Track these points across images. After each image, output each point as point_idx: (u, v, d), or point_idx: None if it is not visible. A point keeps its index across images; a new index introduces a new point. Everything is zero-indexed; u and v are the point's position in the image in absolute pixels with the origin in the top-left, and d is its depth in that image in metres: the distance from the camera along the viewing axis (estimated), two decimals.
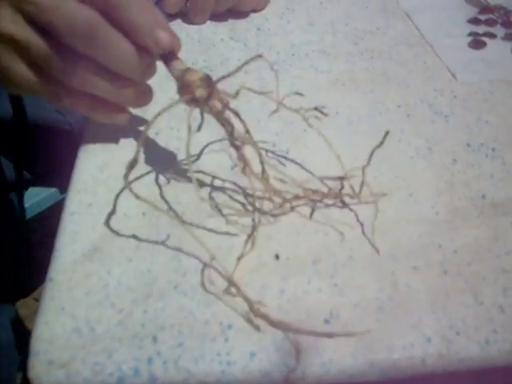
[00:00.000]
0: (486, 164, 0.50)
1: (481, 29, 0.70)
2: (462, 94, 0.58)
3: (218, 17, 0.67)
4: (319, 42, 0.65)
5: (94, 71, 0.42)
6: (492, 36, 0.68)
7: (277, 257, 0.42)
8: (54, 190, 1.14)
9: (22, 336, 0.85)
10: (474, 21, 0.71)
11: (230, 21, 0.68)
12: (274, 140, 0.51)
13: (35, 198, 1.12)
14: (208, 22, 0.67)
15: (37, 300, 1.32)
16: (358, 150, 0.50)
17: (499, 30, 0.69)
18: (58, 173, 0.76)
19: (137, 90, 0.45)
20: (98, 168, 0.48)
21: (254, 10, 0.68)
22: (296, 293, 0.40)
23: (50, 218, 1.06)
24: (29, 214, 1.11)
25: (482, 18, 0.71)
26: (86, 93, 0.43)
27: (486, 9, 0.73)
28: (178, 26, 0.66)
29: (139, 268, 0.41)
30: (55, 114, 0.89)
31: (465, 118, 0.55)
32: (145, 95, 0.46)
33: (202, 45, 0.63)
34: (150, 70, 0.45)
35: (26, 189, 0.97)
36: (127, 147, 0.50)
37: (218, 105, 0.41)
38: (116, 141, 0.51)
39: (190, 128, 0.39)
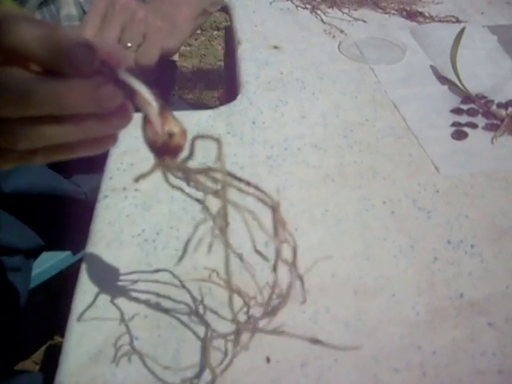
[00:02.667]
0: (465, 261, 0.54)
1: (463, 118, 0.74)
2: (444, 189, 0.62)
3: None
4: (311, 135, 0.70)
5: (47, 124, 0.36)
6: (473, 126, 0.73)
7: (268, 360, 0.45)
8: (63, 256, 1.15)
9: None
10: (457, 111, 0.76)
11: (226, 114, 0.73)
12: (266, 239, 0.55)
13: (43, 265, 1.15)
14: (206, 116, 0.72)
15: (36, 363, 1.34)
16: (344, 250, 0.53)
17: (480, 120, 0.74)
18: (72, 238, 0.81)
19: (101, 117, 0.37)
20: (103, 269, 0.52)
21: (164, 52, 0.68)
22: None
23: (53, 284, 1.09)
24: (35, 281, 1.13)
25: (464, 107, 0.76)
26: (52, 145, 0.38)
27: (467, 98, 0.78)
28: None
29: (142, 371, 0.44)
30: (69, 184, 0.94)
31: (446, 214, 0.59)
32: (117, 117, 0.38)
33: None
34: (101, 94, 0.35)
35: (39, 255, 1.01)
36: (129, 246, 0.54)
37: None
38: (119, 240, 0.55)
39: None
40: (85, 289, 0.51)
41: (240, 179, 0.37)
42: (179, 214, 0.58)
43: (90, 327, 0.47)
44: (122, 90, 0.36)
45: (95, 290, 0.50)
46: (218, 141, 0.36)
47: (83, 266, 0.52)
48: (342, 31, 0.95)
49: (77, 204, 0.91)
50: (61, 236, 0.96)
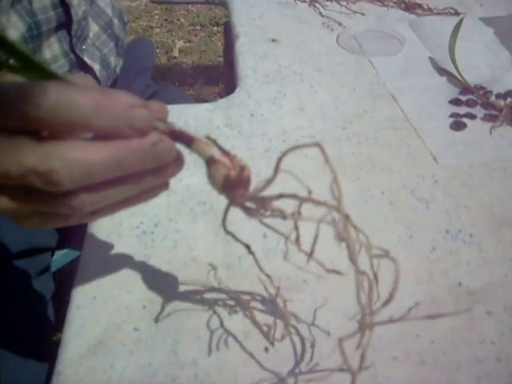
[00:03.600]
0: (464, 251, 0.54)
1: (462, 109, 0.74)
2: (443, 179, 0.62)
3: None
4: (309, 127, 0.70)
5: (110, 187, 0.36)
6: (472, 117, 0.73)
7: (266, 349, 0.45)
8: (64, 251, 1.15)
9: None
10: (456, 101, 0.75)
11: (224, 107, 0.73)
12: (265, 231, 0.55)
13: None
14: (204, 109, 0.72)
15: None
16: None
17: (479, 111, 0.74)
18: (78, 233, 0.81)
19: (159, 169, 0.38)
20: (102, 261, 0.52)
21: None
22: None
23: (55, 279, 1.09)
24: None
25: (463, 98, 0.76)
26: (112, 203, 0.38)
27: (466, 89, 0.77)
28: (177, 110, 0.71)
29: (140, 361, 0.45)
30: None
31: (444, 204, 0.59)
32: (173, 166, 0.39)
33: (199, 133, 0.67)
34: (160, 149, 0.36)
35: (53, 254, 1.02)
36: (128, 238, 0.54)
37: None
38: (118, 233, 0.55)
39: None
40: (84, 281, 0.51)
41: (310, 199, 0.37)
42: (178, 206, 0.58)
43: (89, 318, 0.48)
44: (177, 140, 0.37)
45: (94, 281, 0.50)
46: (319, 146, 0.35)
47: (82, 259, 0.53)
48: (340, 24, 0.95)
49: None
50: (69, 233, 0.96)
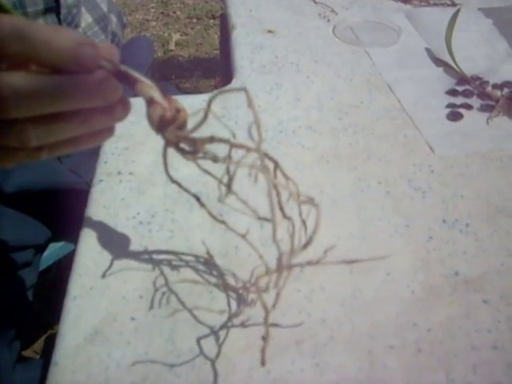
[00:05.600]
0: (460, 240, 0.54)
1: (458, 100, 0.74)
2: (439, 169, 0.62)
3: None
4: (306, 117, 0.69)
5: (56, 121, 0.37)
6: (469, 107, 0.73)
7: (263, 338, 0.45)
8: (61, 244, 1.15)
9: None
10: (452, 92, 0.75)
11: (220, 98, 0.72)
12: (261, 221, 0.55)
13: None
14: (201, 100, 0.72)
15: (36, 353, 1.34)
16: (339, 231, 0.54)
17: (475, 101, 0.74)
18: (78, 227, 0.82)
19: (105, 110, 0.39)
20: (99, 251, 0.52)
21: None
22: (281, 373, 0.43)
23: (53, 273, 1.09)
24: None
25: (460, 89, 0.76)
26: (58, 141, 0.39)
27: (462, 79, 0.77)
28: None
29: (137, 351, 0.45)
30: (70, 176, 0.94)
31: (441, 194, 0.59)
32: (119, 109, 0.40)
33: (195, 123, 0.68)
34: (105, 86, 0.38)
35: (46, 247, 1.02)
36: (124, 229, 0.54)
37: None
38: (114, 223, 0.55)
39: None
40: (80, 271, 0.51)
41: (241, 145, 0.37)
42: (174, 196, 0.58)
43: (86, 308, 0.48)
44: (122, 81, 0.38)
45: (91, 272, 0.50)
46: (244, 90, 0.37)
47: (78, 249, 0.52)
48: (336, 14, 0.94)
49: (79, 194, 0.91)
50: (67, 227, 0.96)
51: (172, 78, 2.35)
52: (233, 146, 0.38)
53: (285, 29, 0.90)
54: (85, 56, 0.36)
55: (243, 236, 0.49)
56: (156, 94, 0.39)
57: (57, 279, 0.97)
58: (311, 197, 0.41)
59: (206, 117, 0.37)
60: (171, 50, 2.59)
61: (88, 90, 0.37)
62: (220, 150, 0.39)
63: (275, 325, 0.46)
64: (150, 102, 0.39)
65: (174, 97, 0.67)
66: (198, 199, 0.46)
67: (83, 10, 0.95)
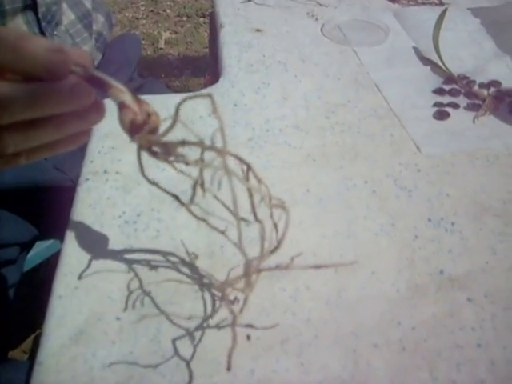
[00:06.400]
0: (446, 239, 0.54)
1: (445, 99, 0.75)
2: (426, 168, 0.62)
3: None
4: (293, 116, 0.70)
5: (31, 128, 0.38)
6: (455, 106, 0.73)
7: (248, 337, 0.45)
8: (49, 243, 1.14)
9: None
10: (439, 91, 0.76)
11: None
12: (248, 219, 0.55)
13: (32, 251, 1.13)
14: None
15: (25, 352, 1.33)
16: (325, 229, 0.54)
17: (462, 100, 0.74)
18: (61, 225, 0.81)
19: (79, 115, 0.40)
20: (84, 250, 0.52)
21: None
22: (265, 372, 0.43)
23: (41, 272, 1.09)
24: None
25: (447, 88, 0.76)
26: (34, 146, 0.40)
27: (449, 79, 0.78)
28: (160, 100, 0.71)
29: (122, 351, 0.45)
30: (54, 173, 0.93)
31: (427, 192, 0.59)
32: (93, 112, 0.41)
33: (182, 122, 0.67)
34: (77, 92, 0.38)
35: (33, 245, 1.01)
36: (110, 228, 0.54)
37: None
38: (100, 223, 0.55)
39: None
40: (65, 271, 0.50)
41: (214, 148, 0.38)
42: (160, 195, 0.58)
43: (71, 308, 0.47)
44: (94, 86, 0.39)
45: (76, 271, 0.50)
46: (210, 97, 0.37)
47: (64, 248, 0.52)
48: (324, 14, 0.94)
49: (64, 191, 0.90)
50: (52, 224, 0.96)
51: (161, 77, 2.35)
52: (204, 148, 0.38)
53: (273, 27, 0.90)
54: (55, 63, 0.36)
55: (222, 232, 0.49)
56: (127, 98, 0.39)
57: (45, 278, 0.97)
58: (282, 200, 0.42)
59: (174, 122, 0.38)
60: (161, 49, 2.58)
61: (60, 97, 0.37)
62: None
63: (259, 323, 0.46)
64: (121, 107, 0.39)
65: (161, 96, 0.67)
66: (177, 198, 0.46)
67: (65, 6, 0.94)
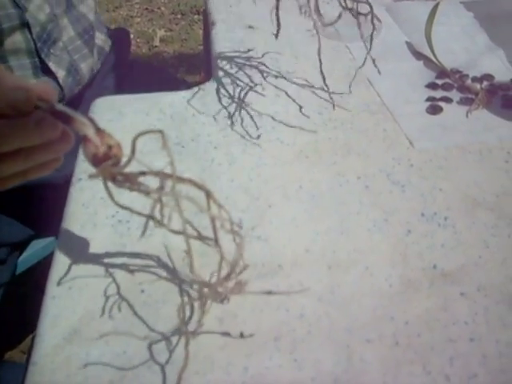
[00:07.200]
0: (439, 233, 0.54)
1: (438, 93, 0.74)
2: (419, 162, 0.62)
3: None
4: (285, 113, 0.69)
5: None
6: (448, 100, 0.73)
7: (241, 335, 0.45)
8: (45, 242, 1.13)
9: None
10: (432, 85, 0.76)
11: (200, 94, 0.72)
12: (241, 217, 0.55)
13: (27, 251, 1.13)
14: (180, 97, 0.72)
15: (24, 353, 1.33)
16: (318, 226, 0.54)
17: (455, 95, 0.74)
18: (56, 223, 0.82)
19: (46, 146, 0.42)
20: (77, 250, 0.52)
21: None
22: (259, 369, 0.43)
23: (38, 271, 1.08)
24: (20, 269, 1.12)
25: (439, 82, 0.76)
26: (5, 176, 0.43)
27: (442, 73, 0.78)
28: (152, 99, 0.71)
29: (115, 350, 0.45)
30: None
31: (420, 187, 0.59)
32: (61, 143, 0.43)
33: (175, 120, 0.68)
34: (42, 126, 0.41)
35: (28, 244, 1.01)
36: (103, 228, 0.54)
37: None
38: (93, 222, 0.55)
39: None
40: (59, 270, 0.50)
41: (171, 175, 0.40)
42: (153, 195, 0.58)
43: (65, 308, 0.47)
44: (59, 119, 0.41)
45: (69, 271, 0.50)
46: (161, 133, 0.39)
47: (57, 248, 0.52)
48: (317, 9, 0.94)
49: (56, 189, 0.90)
50: (49, 223, 0.95)
51: (156, 75, 2.34)
52: (164, 177, 0.40)
53: (265, 24, 0.90)
54: (19, 101, 0.39)
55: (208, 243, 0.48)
56: (90, 132, 0.41)
57: (41, 278, 0.97)
58: (239, 225, 0.48)
59: (133, 154, 0.40)
60: (156, 46, 2.58)
61: (27, 131, 0.40)
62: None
63: (253, 320, 0.46)
64: (84, 140, 0.41)
65: (154, 94, 0.67)
66: (152, 218, 0.46)
67: (65, 21, 0.93)
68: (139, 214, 0.46)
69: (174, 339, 0.45)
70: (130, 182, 0.41)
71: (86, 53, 0.97)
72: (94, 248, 0.52)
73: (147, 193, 0.41)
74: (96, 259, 0.51)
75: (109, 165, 0.41)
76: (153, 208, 0.42)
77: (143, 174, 0.41)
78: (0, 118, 0.38)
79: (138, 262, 0.51)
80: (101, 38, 1.03)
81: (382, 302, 0.48)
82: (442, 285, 0.49)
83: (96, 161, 0.41)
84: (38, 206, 0.88)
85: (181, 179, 0.40)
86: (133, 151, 0.40)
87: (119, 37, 1.15)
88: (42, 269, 1.09)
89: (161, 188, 0.41)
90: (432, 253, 0.52)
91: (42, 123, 0.40)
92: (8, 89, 0.38)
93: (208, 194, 0.42)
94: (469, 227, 0.55)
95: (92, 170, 0.46)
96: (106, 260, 0.51)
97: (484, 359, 0.44)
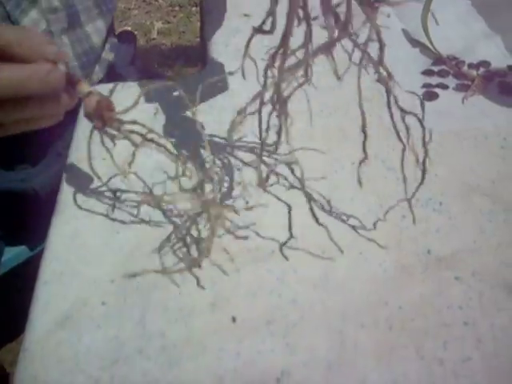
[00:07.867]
0: (433, 218, 0.54)
1: (434, 80, 0.74)
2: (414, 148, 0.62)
3: None
4: None
5: (12, 106, 0.43)
6: (444, 87, 0.72)
7: (233, 319, 0.45)
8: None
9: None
10: (428, 73, 0.75)
11: (196, 81, 0.72)
12: (235, 201, 0.55)
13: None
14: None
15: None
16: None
17: (451, 81, 0.73)
18: (27, 232, 0.82)
19: (55, 99, 0.45)
20: (70, 237, 0.52)
21: None
22: (251, 354, 0.43)
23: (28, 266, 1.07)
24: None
25: (435, 69, 0.76)
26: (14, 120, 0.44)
27: (438, 60, 0.77)
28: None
29: (107, 335, 0.44)
30: (18, 183, 0.89)
31: (415, 173, 0.59)
32: (67, 96, 0.46)
33: (175, 118, 0.67)
34: (54, 75, 0.43)
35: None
36: (97, 215, 0.54)
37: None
38: (87, 209, 0.54)
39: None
40: (51, 256, 0.50)
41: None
42: (147, 180, 0.57)
43: (56, 293, 0.47)
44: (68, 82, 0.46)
45: (61, 257, 0.50)
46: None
47: (50, 234, 0.52)
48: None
49: (27, 199, 0.88)
50: (17, 232, 0.94)
51: (154, 67, 2.33)
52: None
53: (261, 12, 0.89)
54: (50, 53, 0.43)
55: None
56: (90, 89, 0.47)
57: (28, 282, 0.95)
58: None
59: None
60: (153, 39, 2.57)
61: (38, 79, 0.42)
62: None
63: (245, 304, 0.46)
64: (88, 94, 0.47)
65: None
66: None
67: (65, 40, 0.88)
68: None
69: (167, 324, 0.45)
70: (120, 126, 0.48)
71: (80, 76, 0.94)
72: (87, 234, 0.52)
73: (134, 143, 0.49)
74: (88, 245, 0.51)
75: (107, 112, 0.47)
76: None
77: (135, 122, 0.48)
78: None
79: (130, 247, 0.50)
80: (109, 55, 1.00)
81: (376, 286, 0.48)
82: (437, 270, 0.49)
83: (99, 107, 0.46)
84: (6, 216, 0.87)
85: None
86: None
87: (125, 41, 1.14)
88: (9, 279, 1.06)
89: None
90: (426, 238, 0.52)
91: (53, 72, 0.43)
92: (42, 42, 0.42)
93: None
94: (464, 212, 0.54)
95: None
96: (98, 246, 0.51)
97: (478, 343, 0.44)
